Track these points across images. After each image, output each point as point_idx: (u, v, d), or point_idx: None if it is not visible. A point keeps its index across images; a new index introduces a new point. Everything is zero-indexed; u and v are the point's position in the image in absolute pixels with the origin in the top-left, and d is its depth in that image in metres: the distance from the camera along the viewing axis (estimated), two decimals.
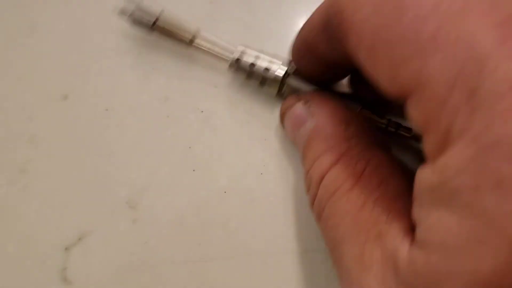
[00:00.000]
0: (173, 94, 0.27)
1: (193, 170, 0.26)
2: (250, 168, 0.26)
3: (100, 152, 0.26)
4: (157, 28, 0.26)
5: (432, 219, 0.13)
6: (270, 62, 0.24)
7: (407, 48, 0.14)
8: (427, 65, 0.13)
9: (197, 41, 0.26)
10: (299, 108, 0.22)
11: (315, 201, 0.20)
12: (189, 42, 0.26)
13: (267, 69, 0.24)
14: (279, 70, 0.24)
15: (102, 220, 0.25)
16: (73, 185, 0.25)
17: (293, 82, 0.24)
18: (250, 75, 0.25)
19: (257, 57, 0.24)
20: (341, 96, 0.23)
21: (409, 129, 0.23)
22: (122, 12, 0.26)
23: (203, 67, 0.28)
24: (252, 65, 0.24)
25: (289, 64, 0.24)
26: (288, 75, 0.24)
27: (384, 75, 0.15)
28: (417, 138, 0.20)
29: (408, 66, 0.14)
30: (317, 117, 0.21)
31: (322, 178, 0.19)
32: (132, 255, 0.24)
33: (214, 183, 0.25)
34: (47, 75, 0.27)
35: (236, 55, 0.25)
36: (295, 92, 0.24)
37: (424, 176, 0.14)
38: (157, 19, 0.25)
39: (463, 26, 0.13)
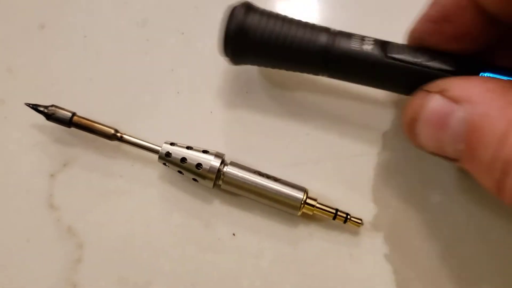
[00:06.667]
0: (152, 16, 0.26)
1: (177, 93, 0.25)
2: (235, 89, 0.25)
3: (80, 79, 0.25)
4: None
5: None
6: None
7: None
8: None
9: None
10: (436, 102, 0.17)
11: None
12: None
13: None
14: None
15: (88, 147, 0.24)
16: None
17: None
18: None
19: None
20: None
21: None
22: None
23: None
24: None
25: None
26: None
27: None
28: None
29: None
30: (468, 99, 0.17)
31: None
32: (120, 177, 0.24)
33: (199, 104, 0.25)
34: (22, 5, 0.27)
35: None
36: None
37: None
38: None
39: None
